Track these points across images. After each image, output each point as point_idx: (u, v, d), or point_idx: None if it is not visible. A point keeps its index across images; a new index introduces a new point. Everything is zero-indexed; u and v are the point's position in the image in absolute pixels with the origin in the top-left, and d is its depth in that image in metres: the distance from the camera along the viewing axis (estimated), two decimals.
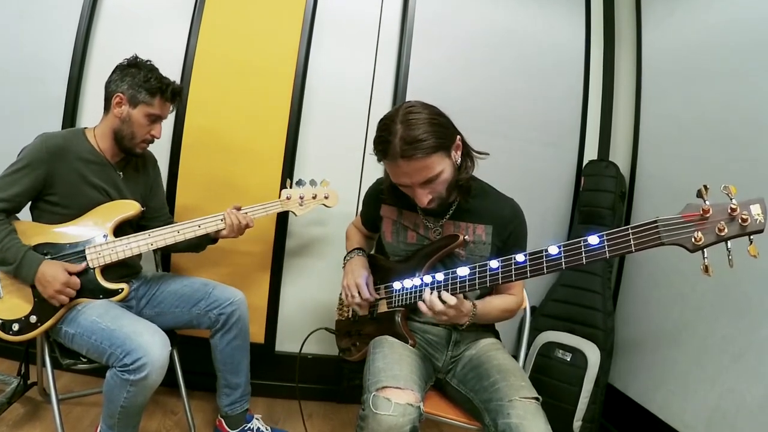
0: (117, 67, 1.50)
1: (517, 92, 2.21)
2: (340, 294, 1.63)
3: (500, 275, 1.14)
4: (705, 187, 0.88)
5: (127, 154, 1.55)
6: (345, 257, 1.56)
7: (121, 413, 1.30)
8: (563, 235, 2.27)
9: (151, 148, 1.60)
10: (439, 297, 1.19)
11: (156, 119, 1.51)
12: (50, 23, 1.93)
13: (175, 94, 1.52)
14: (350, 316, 1.56)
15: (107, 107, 1.50)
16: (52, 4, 1.92)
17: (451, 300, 1.18)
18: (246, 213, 1.62)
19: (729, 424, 1.51)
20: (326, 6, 2.08)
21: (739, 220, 0.85)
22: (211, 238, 1.65)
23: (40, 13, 1.93)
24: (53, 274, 1.34)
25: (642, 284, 2.04)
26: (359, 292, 1.41)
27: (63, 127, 1.88)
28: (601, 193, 2.14)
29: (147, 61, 1.51)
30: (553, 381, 2.00)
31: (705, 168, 1.75)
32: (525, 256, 1.09)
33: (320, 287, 2.10)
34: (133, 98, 1.46)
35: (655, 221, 0.92)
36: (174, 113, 1.79)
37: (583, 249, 1.00)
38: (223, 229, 1.58)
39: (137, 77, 1.46)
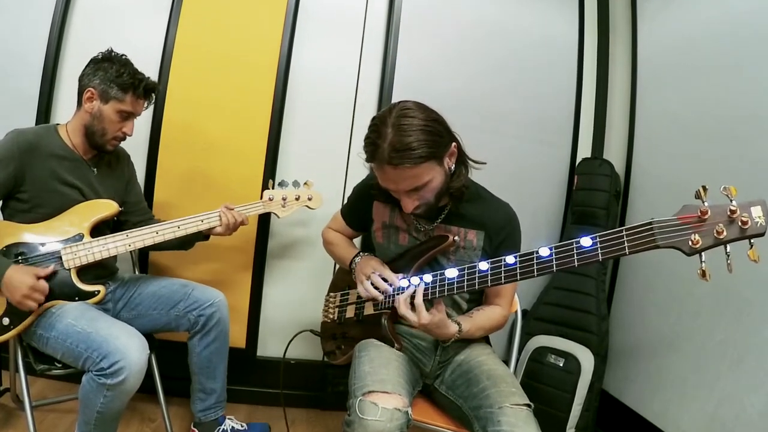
0: (91, 60, 1.48)
1: (507, 87, 2.18)
2: (326, 295, 1.61)
3: (489, 277, 1.12)
4: (703, 187, 0.85)
5: (98, 150, 1.52)
6: (350, 265, 1.45)
7: (97, 420, 1.28)
8: (555, 236, 2.24)
9: (129, 143, 1.57)
10: (412, 301, 1.17)
11: (128, 116, 1.48)
12: (23, 17, 1.88)
13: (148, 91, 1.50)
14: (336, 318, 1.52)
15: (80, 101, 1.48)
16: None
17: (420, 305, 1.16)
18: (238, 210, 1.63)
19: None
20: None
21: (739, 223, 0.82)
22: (203, 235, 1.63)
23: (13, 5, 1.88)
24: (20, 279, 1.30)
25: (638, 287, 2.01)
26: (381, 280, 1.30)
27: (37, 124, 1.84)
28: (595, 193, 2.11)
29: (122, 55, 1.48)
30: (545, 387, 1.98)
31: (703, 166, 1.73)
32: (515, 257, 1.08)
33: (304, 288, 2.06)
34: (104, 93, 1.44)
35: (650, 223, 0.89)
36: (152, 108, 1.76)
37: (575, 251, 0.98)
38: (218, 226, 1.59)
39: (109, 72, 1.43)
